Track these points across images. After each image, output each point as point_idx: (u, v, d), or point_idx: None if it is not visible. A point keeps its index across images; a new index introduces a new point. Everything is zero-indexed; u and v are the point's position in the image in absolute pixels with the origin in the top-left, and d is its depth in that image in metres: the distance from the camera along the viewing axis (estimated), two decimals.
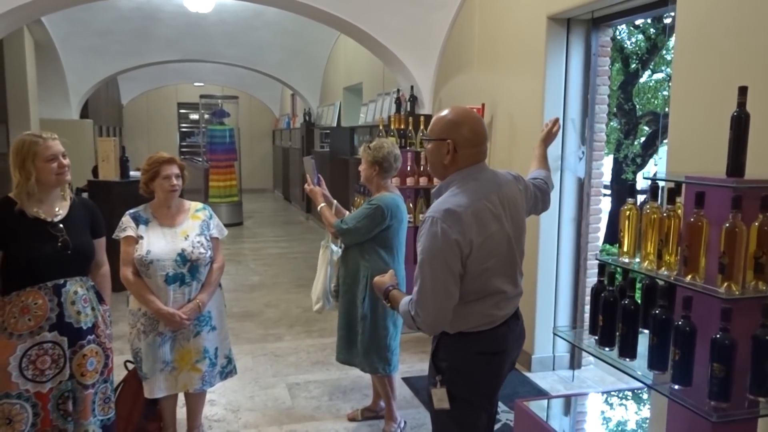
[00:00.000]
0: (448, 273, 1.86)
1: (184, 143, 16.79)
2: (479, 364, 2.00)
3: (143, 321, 2.88)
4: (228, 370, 3.11)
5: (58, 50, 8.60)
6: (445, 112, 2.00)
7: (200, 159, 12.04)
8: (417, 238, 1.95)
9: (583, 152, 3.82)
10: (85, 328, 2.49)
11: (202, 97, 11.91)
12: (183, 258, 2.85)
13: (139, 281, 2.84)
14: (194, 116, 15.64)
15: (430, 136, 2.01)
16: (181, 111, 16.75)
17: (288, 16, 7.13)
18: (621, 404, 2.97)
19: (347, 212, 3.41)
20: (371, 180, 3.25)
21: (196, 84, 15.16)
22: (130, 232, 2.86)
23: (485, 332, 1.97)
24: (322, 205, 3.33)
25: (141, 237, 2.86)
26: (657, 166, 10.06)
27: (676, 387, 1.86)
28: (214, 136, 11.20)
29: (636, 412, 2.89)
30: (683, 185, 2.07)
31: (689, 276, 1.88)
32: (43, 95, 8.54)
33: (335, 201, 3.44)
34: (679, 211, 2.01)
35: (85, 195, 6.24)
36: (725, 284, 1.78)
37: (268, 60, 10.77)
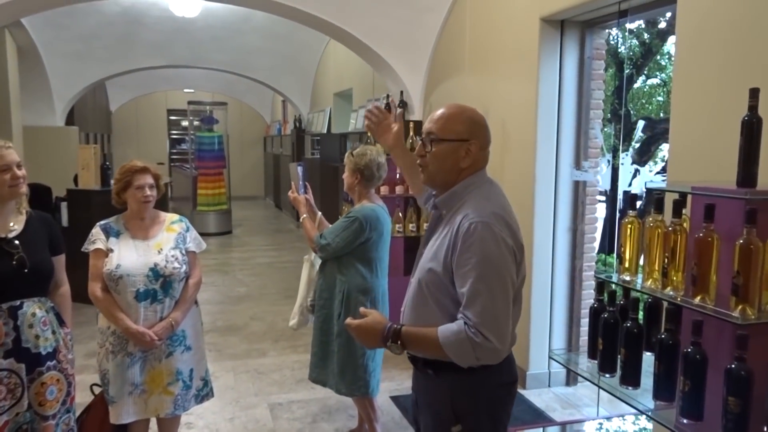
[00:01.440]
0: (510, 284, 1.63)
1: (175, 150, 16.59)
2: (504, 397, 1.77)
3: (112, 340, 2.68)
4: (204, 393, 2.91)
5: (41, 55, 8.39)
6: (455, 110, 1.75)
7: (189, 166, 11.85)
8: (456, 249, 1.63)
9: (608, 161, 3.66)
10: (44, 353, 2.30)
11: (190, 103, 11.72)
12: (155, 273, 2.65)
13: (107, 297, 2.64)
14: (185, 123, 15.44)
15: (446, 136, 1.71)
16: (171, 118, 16.55)
17: (277, 20, 6.98)
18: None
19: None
20: (353, 188, 3.08)
21: (185, 90, 14.97)
22: (100, 245, 2.67)
23: (507, 359, 1.73)
24: (305, 216, 3.15)
25: (111, 250, 2.66)
26: (652, 172, 9.96)
27: (685, 421, 1.68)
28: (203, 143, 11.00)
29: None
30: (688, 196, 1.90)
31: (698, 297, 1.70)
32: (26, 101, 8.33)
33: (320, 213, 3.25)
34: (685, 224, 1.84)
35: (64, 204, 6.04)
36: (739, 307, 1.60)
37: (258, 65, 10.60)
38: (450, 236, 1.66)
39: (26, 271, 2.24)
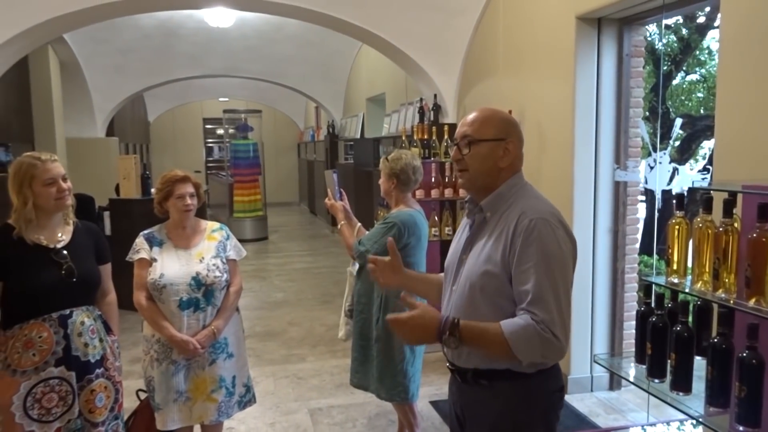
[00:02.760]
0: (571, 282, 1.62)
1: (211, 158, 16.88)
2: (557, 403, 1.75)
3: (156, 348, 2.73)
4: (247, 399, 2.93)
5: (82, 69, 8.65)
6: (488, 112, 1.75)
7: (225, 174, 12.03)
8: (515, 247, 1.60)
9: (655, 161, 3.59)
10: (93, 361, 2.35)
11: (225, 111, 11.91)
12: (197, 282, 2.69)
13: (152, 306, 2.70)
14: (220, 131, 15.71)
15: (483, 137, 1.70)
16: (207, 126, 16.86)
17: (309, 28, 7.04)
18: None
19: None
20: (390, 193, 3.07)
21: (220, 99, 15.23)
22: (144, 255, 2.73)
23: (557, 364, 1.72)
24: (342, 222, 3.15)
25: (155, 259, 2.72)
26: (693, 170, 9.70)
27: (741, 428, 1.62)
28: (238, 151, 11.17)
29: None
30: (739, 196, 1.83)
31: (752, 299, 1.64)
32: (69, 114, 8.59)
33: (359, 223, 3.23)
34: (736, 224, 1.78)
35: (106, 214, 6.19)
36: None
37: (291, 73, 10.71)
38: (506, 235, 1.63)
39: (74, 280, 2.30)
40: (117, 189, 6.57)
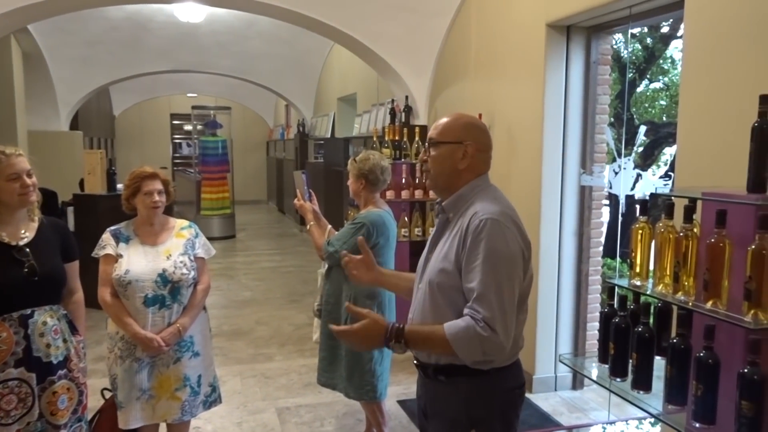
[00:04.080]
0: (518, 281, 1.67)
1: (177, 155, 16.63)
2: (515, 400, 1.80)
3: (120, 345, 2.69)
4: (212, 399, 2.91)
5: (46, 60, 8.44)
6: (454, 117, 1.83)
7: (192, 170, 11.87)
8: (465, 246, 1.66)
9: (619, 166, 3.69)
10: (55, 362, 2.30)
11: (194, 108, 11.75)
12: (164, 279, 2.67)
13: (116, 303, 2.65)
14: (188, 127, 15.48)
15: (443, 139, 1.79)
16: (174, 122, 16.60)
17: (281, 25, 7.00)
18: None
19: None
20: (359, 194, 3.10)
21: (189, 95, 15.02)
22: (110, 251, 2.69)
23: (516, 362, 1.79)
24: (311, 223, 3.16)
25: (120, 255, 2.68)
26: (655, 176, 9.96)
27: (698, 425, 1.69)
28: (207, 148, 11.03)
29: None
30: (699, 202, 1.91)
31: (710, 302, 1.71)
32: (32, 106, 8.36)
33: (329, 225, 3.24)
34: (696, 229, 1.85)
35: (70, 209, 6.06)
36: (752, 312, 1.61)
37: (262, 70, 10.63)
38: (460, 234, 1.70)
39: (36, 279, 2.24)
40: (81, 184, 6.44)
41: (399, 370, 4.18)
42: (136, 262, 2.67)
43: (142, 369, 2.68)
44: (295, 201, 3.24)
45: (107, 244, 2.71)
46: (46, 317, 2.28)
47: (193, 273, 2.75)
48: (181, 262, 2.73)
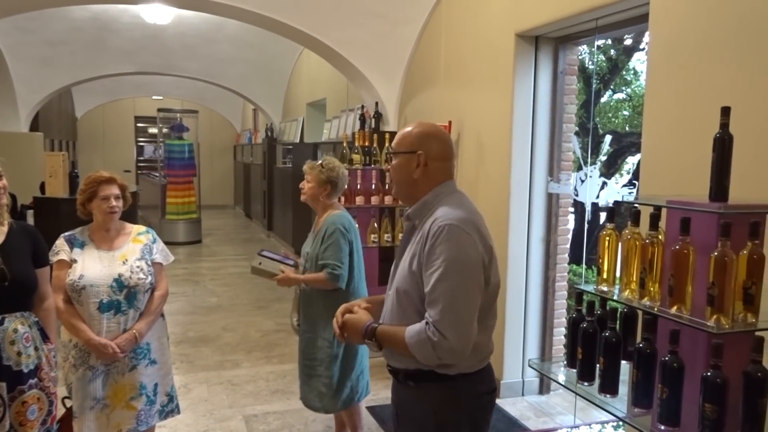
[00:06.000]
0: (477, 287, 1.67)
1: (142, 158, 16.33)
2: (485, 405, 1.81)
3: (74, 353, 2.62)
4: (169, 409, 2.84)
5: (6, 60, 8.20)
6: (411, 127, 1.87)
7: (157, 174, 11.67)
8: (425, 251, 1.68)
9: (585, 174, 3.75)
10: (26, 371, 2.24)
11: (160, 110, 11.57)
12: (119, 284, 2.60)
13: (69, 309, 2.57)
14: (153, 130, 15.22)
15: (398, 149, 1.84)
16: (139, 125, 16.30)
17: (250, 29, 6.95)
18: None
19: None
20: (317, 199, 3.09)
21: (154, 97, 14.78)
22: (63, 256, 2.61)
23: (485, 368, 1.80)
24: (302, 278, 3.07)
25: (75, 261, 2.61)
26: (618, 184, 10.19)
27: (663, 427, 1.73)
28: (173, 151, 10.86)
29: None
30: (663, 210, 1.96)
31: (675, 307, 1.75)
32: None
33: (299, 262, 3.19)
34: (661, 236, 1.90)
35: (30, 212, 5.89)
36: (714, 317, 1.66)
37: (229, 74, 10.54)
38: (422, 240, 1.72)
39: (6, 284, 2.18)
40: (42, 187, 6.27)
41: (370, 376, 4.16)
42: (91, 267, 2.60)
43: (96, 377, 2.61)
44: (276, 279, 3.10)
45: (61, 249, 2.64)
46: (17, 324, 2.22)
47: (150, 278, 2.69)
48: (137, 266, 2.67)
